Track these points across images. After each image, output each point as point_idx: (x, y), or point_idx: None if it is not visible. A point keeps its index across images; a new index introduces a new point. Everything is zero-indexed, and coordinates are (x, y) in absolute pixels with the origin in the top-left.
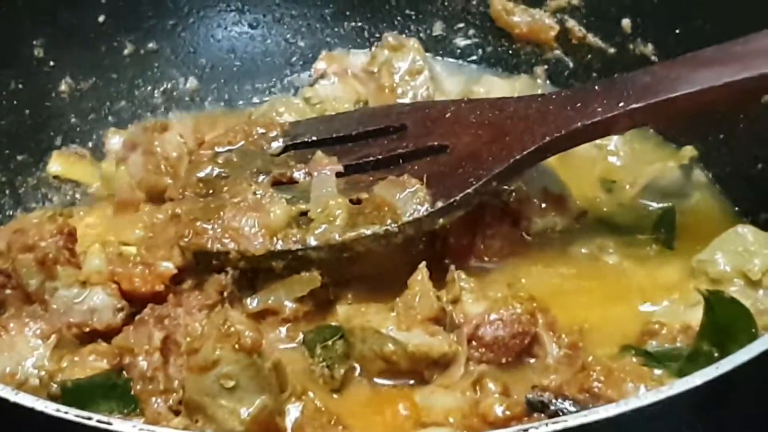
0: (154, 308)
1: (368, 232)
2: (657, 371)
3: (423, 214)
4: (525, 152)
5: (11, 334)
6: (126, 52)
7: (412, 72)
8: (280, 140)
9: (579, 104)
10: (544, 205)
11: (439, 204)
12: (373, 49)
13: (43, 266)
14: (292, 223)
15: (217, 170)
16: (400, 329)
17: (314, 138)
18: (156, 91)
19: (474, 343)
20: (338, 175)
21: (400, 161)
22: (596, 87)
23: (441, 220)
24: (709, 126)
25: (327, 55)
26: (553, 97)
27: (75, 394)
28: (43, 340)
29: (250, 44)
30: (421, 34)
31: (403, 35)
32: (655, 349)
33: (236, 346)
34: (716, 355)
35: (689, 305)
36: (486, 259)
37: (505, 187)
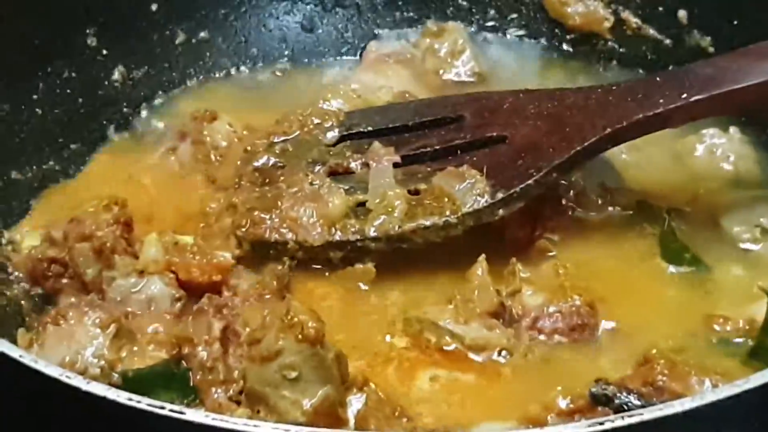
0: (212, 298)
1: (427, 223)
2: (721, 365)
3: (483, 205)
4: (585, 143)
5: (70, 323)
6: (178, 41)
7: (454, 53)
8: (336, 130)
9: (640, 95)
10: (601, 201)
11: (499, 195)
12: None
13: (100, 255)
14: (350, 213)
15: (273, 160)
16: (457, 322)
17: (370, 128)
18: (208, 81)
19: (532, 333)
20: (395, 165)
21: (458, 152)
22: (657, 78)
23: (501, 212)
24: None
25: (376, 43)
26: (614, 88)
27: (136, 383)
28: (102, 330)
29: (302, 33)
30: (474, 25)
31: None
32: (719, 342)
33: (299, 336)
34: None
35: (753, 299)
36: (545, 251)
37: (563, 182)
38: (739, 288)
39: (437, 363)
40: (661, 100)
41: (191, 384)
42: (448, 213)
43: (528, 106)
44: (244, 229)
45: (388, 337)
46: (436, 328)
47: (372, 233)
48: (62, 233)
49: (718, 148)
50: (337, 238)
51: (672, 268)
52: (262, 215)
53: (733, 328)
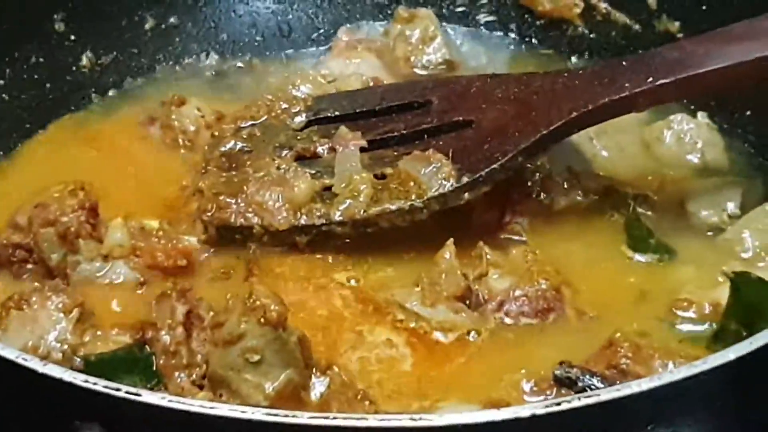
0: (176, 282)
1: (393, 207)
2: (685, 349)
3: (448, 189)
4: (551, 127)
5: (33, 308)
6: (147, 26)
7: (425, 39)
8: (303, 115)
9: (606, 79)
10: (567, 185)
11: (465, 179)
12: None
13: (64, 240)
14: (316, 197)
15: (240, 145)
16: (424, 305)
17: (337, 113)
18: (177, 66)
19: (498, 316)
20: (362, 150)
21: (425, 137)
22: (624, 62)
23: (466, 195)
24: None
25: (346, 30)
26: (580, 72)
27: (98, 368)
28: (65, 314)
29: (272, 19)
30: (444, 10)
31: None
32: (683, 325)
33: (262, 319)
34: (744, 334)
35: (718, 284)
36: (513, 235)
37: (529, 165)
38: (704, 272)
39: (402, 338)
40: (626, 84)
41: (154, 368)
42: (413, 197)
43: (495, 91)
44: (209, 214)
45: (353, 317)
46: (403, 311)
47: (338, 217)
48: (27, 218)
49: (686, 134)
50: (302, 222)
51: (638, 255)
52: (228, 200)
53: (697, 312)
